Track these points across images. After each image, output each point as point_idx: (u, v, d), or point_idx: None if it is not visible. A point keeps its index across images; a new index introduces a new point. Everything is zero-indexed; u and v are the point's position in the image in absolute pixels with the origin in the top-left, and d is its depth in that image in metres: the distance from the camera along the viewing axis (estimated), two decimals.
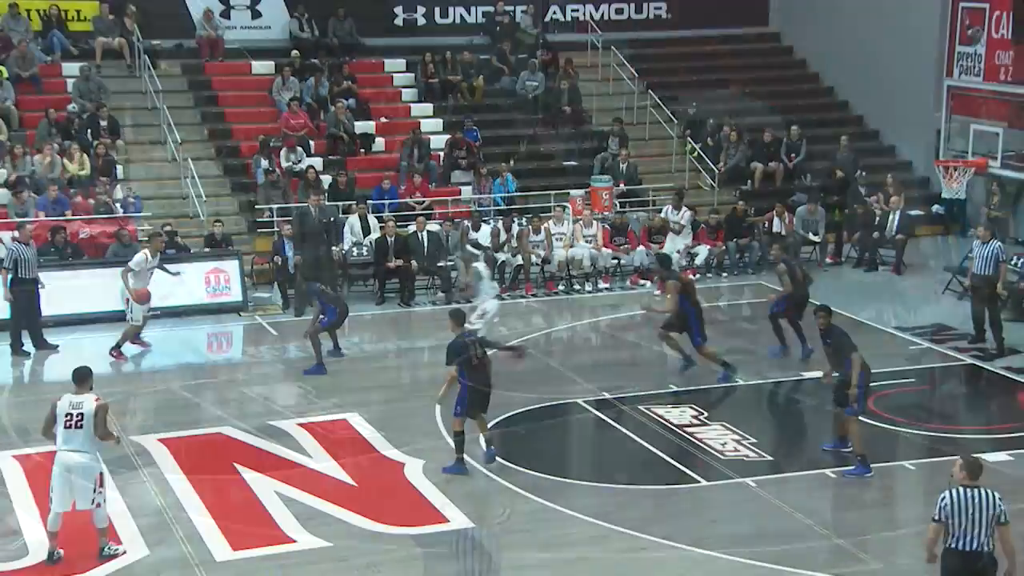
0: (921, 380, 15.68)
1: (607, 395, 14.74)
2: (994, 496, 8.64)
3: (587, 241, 20.29)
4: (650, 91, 24.99)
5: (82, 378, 10.17)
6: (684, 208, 20.53)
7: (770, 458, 12.95)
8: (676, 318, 15.07)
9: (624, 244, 20.57)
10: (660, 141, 24.42)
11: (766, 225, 21.09)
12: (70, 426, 9.94)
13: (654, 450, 13.08)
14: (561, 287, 19.98)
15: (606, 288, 20.08)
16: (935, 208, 23.03)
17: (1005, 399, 15.33)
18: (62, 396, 10.26)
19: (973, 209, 22.21)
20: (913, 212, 21.93)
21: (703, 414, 14.15)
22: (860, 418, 12.48)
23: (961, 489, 8.63)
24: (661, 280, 15.06)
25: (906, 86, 23.91)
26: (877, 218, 21.18)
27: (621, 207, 21.91)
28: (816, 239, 21.24)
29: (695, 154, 23.72)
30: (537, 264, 20.05)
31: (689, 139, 24.08)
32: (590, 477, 12.67)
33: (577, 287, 20.03)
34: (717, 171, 23.25)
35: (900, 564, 10.62)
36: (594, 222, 20.57)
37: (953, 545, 8.64)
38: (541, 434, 14.02)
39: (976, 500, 8.57)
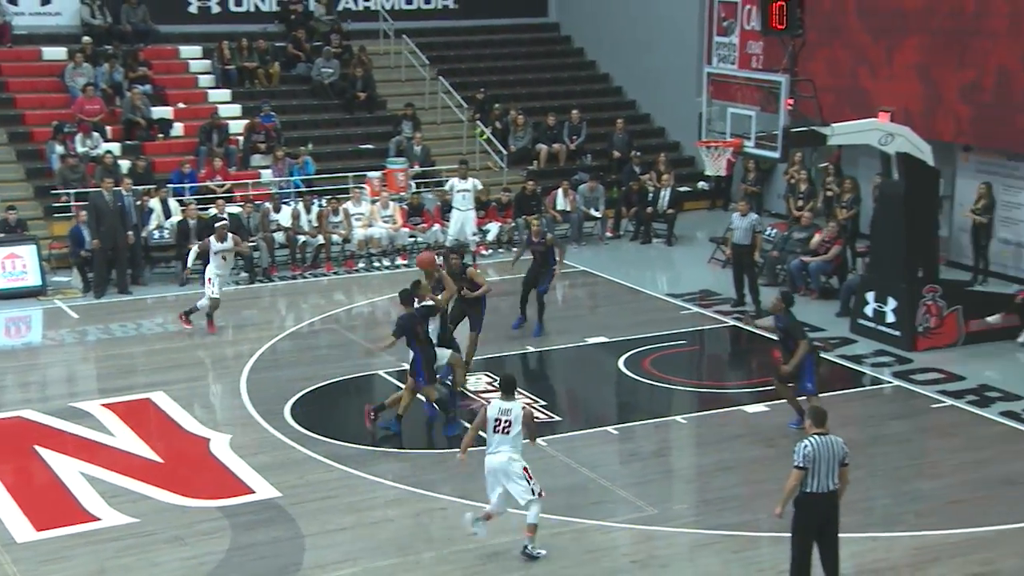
0: (691, 341, 16.29)
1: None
2: (839, 441, 8.90)
3: (385, 221, 20.13)
4: (440, 78, 24.97)
5: (510, 386, 10.08)
6: (470, 178, 20.30)
7: (559, 418, 13.20)
8: (471, 315, 14.33)
9: (420, 223, 20.52)
10: (451, 125, 24.44)
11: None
12: (498, 430, 9.88)
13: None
14: (361, 265, 19.78)
15: (404, 264, 20.00)
16: (701, 185, 23.96)
17: (762, 356, 16.05)
18: (491, 402, 10.14)
19: (735, 185, 23.23)
20: (682, 188, 22.74)
21: (497, 380, 14.26)
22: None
23: (817, 436, 8.84)
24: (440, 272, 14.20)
25: (672, 74, 24.74)
26: (650, 194, 21.85)
27: (416, 188, 21.85)
28: (597, 215, 21.74)
29: (484, 137, 23.86)
30: (337, 244, 19.78)
31: (479, 123, 24.20)
32: (390, 444, 12.63)
33: (376, 264, 19.88)
34: (505, 152, 23.49)
35: (674, 509, 11.04)
36: (391, 203, 20.43)
37: (811, 489, 8.76)
38: (344, 406, 13.87)
39: (829, 445, 8.82)
